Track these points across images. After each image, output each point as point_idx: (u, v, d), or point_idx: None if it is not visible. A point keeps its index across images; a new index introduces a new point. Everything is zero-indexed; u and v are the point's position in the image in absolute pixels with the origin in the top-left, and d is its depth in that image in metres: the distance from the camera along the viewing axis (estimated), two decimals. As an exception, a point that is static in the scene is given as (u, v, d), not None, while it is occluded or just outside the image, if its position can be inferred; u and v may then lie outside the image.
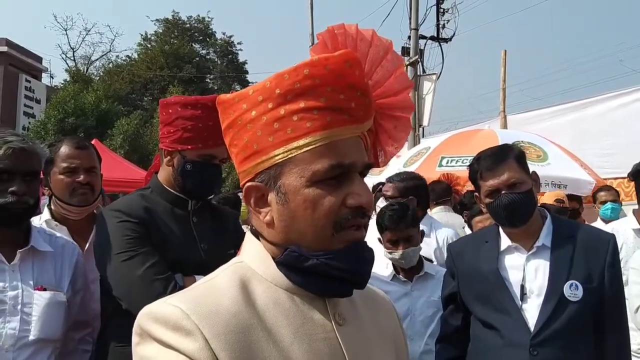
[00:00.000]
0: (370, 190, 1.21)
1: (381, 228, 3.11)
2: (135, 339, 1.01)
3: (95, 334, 2.39)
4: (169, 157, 2.27)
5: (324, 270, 1.03)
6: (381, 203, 3.65)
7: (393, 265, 3.16)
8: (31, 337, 2.07)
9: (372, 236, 3.65)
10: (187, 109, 2.22)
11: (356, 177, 1.07)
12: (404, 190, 3.88)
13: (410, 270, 3.12)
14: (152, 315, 0.99)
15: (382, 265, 3.26)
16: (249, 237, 1.16)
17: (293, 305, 1.06)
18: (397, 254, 3.03)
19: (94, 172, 2.65)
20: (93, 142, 9.60)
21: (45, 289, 2.16)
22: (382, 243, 3.11)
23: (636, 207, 3.90)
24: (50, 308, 2.14)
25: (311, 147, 1.02)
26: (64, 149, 2.61)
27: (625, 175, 4.00)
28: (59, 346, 2.23)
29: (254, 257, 1.11)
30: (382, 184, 4.41)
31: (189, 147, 2.21)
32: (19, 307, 2.06)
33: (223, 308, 0.99)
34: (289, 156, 1.03)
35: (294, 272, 1.06)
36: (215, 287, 1.04)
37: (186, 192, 2.28)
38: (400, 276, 3.14)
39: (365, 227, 1.08)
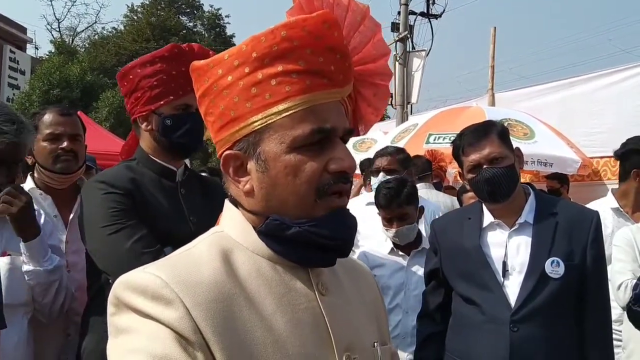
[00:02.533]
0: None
1: (377, 205, 3.13)
2: (110, 309, 0.97)
3: (81, 308, 2.34)
4: (145, 123, 2.21)
5: (306, 238, 1.01)
6: (382, 177, 3.64)
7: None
8: None
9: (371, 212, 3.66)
10: (147, 67, 2.17)
11: (338, 142, 1.04)
12: (403, 161, 3.90)
13: (408, 245, 3.15)
14: (129, 285, 0.95)
15: (381, 239, 3.28)
16: (228, 207, 1.12)
17: (275, 274, 1.04)
18: (392, 231, 3.07)
19: (78, 140, 2.60)
20: (77, 114, 9.52)
21: (6, 254, 2.15)
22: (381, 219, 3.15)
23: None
24: (12, 273, 2.14)
25: (291, 112, 1.00)
26: (48, 116, 2.56)
27: (612, 154, 4.00)
28: (30, 310, 2.22)
29: (234, 226, 1.08)
30: (369, 160, 4.41)
31: (162, 102, 2.16)
32: None
33: (204, 277, 0.96)
34: (268, 122, 1.00)
35: (275, 241, 1.04)
36: (195, 256, 1.01)
37: (174, 151, 2.22)
38: (398, 251, 3.17)
39: (348, 193, 1.06)
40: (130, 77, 2.20)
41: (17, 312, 2.14)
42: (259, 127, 1.01)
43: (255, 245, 1.05)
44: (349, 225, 1.07)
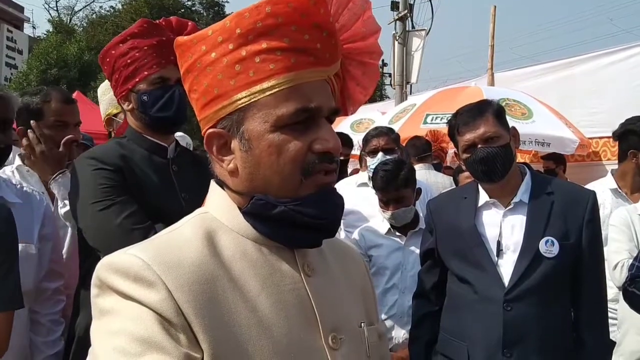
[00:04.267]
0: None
1: (375, 187, 3.14)
2: (94, 290, 0.97)
3: (71, 287, 2.35)
4: (127, 102, 2.21)
5: (292, 217, 1.00)
6: (382, 156, 3.63)
7: None
8: None
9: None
10: (120, 46, 2.17)
11: (323, 122, 1.03)
12: (397, 140, 3.95)
13: (405, 225, 3.16)
14: (111, 266, 0.95)
15: (379, 219, 3.29)
16: (213, 187, 1.11)
17: (261, 255, 1.03)
18: (388, 213, 3.08)
19: (78, 127, 2.63)
20: (75, 94, 9.45)
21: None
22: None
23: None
24: (22, 261, 2.11)
25: (275, 90, 0.98)
26: (55, 104, 2.55)
27: (610, 134, 3.99)
28: (32, 297, 2.22)
29: (219, 207, 1.07)
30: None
31: (137, 79, 2.15)
32: None
33: (187, 259, 0.96)
34: (252, 100, 0.99)
35: (261, 222, 1.03)
36: (179, 238, 1.00)
37: (157, 126, 2.20)
38: (395, 231, 3.18)
39: (334, 172, 1.04)
40: (107, 59, 2.20)
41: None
42: (242, 105, 0.99)
43: (240, 227, 1.04)
44: (336, 203, 1.06)
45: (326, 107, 1.03)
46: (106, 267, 0.95)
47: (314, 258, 1.10)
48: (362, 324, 1.14)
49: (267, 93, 0.98)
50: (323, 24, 1.01)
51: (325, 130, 1.02)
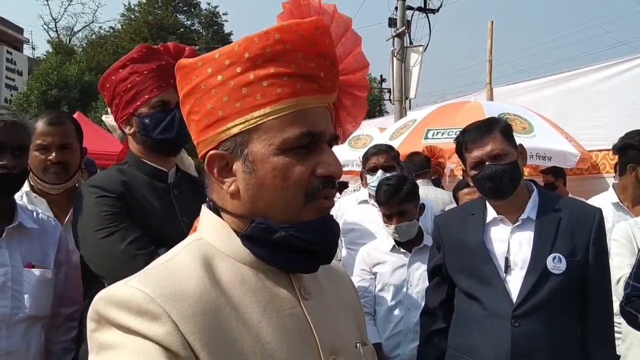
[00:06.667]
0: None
1: (377, 202, 3.16)
2: (91, 325, 0.94)
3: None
4: (128, 127, 2.23)
5: (291, 242, 1.00)
6: (382, 174, 3.65)
7: None
8: (23, 315, 2.07)
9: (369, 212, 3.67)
10: (120, 72, 2.20)
11: (325, 146, 1.04)
12: (397, 157, 3.99)
13: (409, 242, 3.18)
14: (111, 300, 0.92)
15: (383, 236, 3.30)
16: (205, 213, 1.11)
17: (258, 281, 1.03)
18: (391, 227, 3.09)
19: (69, 148, 2.57)
20: (76, 114, 9.48)
21: (34, 266, 2.15)
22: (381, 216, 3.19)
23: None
24: (40, 285, 2.14)
25: (281, 113, 1.00)
26: (38, 125, 2.52)
27: (610, 147, 4.01)
28: (47, 322, 2.23)
29: (213, 233, 1.07)
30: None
31: (138, 103, 2.18)
32: (10, 284, 2.05)
33: (189, 289, 0.94)
34: (258, 122, 1.00)
35: (260, 246, 1.03)
36: (177, 267, 0.99)
37: (159, 149, 2.22)
38: (400, 248, 3.20)
39: (333, 197, 1.06)
40: (107, 85, 2.23)
41: (38, 324, 2.14)
42: (248, 127, 1.00)
43: (237, 252, 1.04)
44: (333, 231, 1.07)
45: (328, 133, 1.05)
46: (105, 301, 0.93)
47: (308, 281, 1.11)
48: (358, 344, 1.16)
49: (274, 116, 0.99)
50: (327, 53, 1.04)
51: (328, 155, 1.03)
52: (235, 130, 1.01)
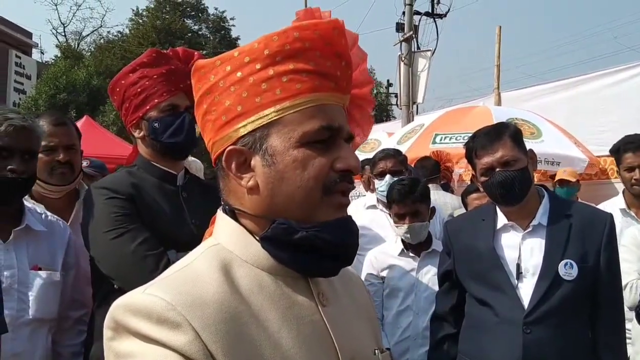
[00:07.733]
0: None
1: (390, 202, 3.15)
2: (108, 333, 0.93)
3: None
4: (137, 130, 2.25)
5: (312, 243, 1.00)
6: (389, 179, 3.66)
7: (402, 240, 3.20)
8: (28, 317, 2.08)
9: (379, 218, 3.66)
10: (129, 76, 2.23)
11: (343, 142, 1.06)
12: (404, 162, 3.98)
13: (418, 246, 3.17)
14: (129, 307, 0.91)
15: (391, 241, 3.30)
16: (221, 217, 1.10)
17: (277, 288, 1.03)
18: (403, 227, 3.08)
19: (73, 149, 2.59)
20: (84, 118, 9.52)
21: (40, 269, 2.16)
22: (391, 217, 3.18)
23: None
24: (46, 288, 2.15)
25: (302, 107, 1.01)
26: (42, 127, 2.51)
27: (618, 152, 4.00)
28: (54, 325, 2.24)
29: (230, 238, 1.06)
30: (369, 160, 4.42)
31: (147, 107, 2.20)
32: (16, 286, 2.06)
33: (208, 296, 0.93)
34: (279, 116, 1.01)
35: (280, 248, 1.02)
36: (195, 274, 0.98)
37: (169, 152, 2.24)
38: (408, 252, 3.18)
39: (349, 193, 1.07)
40: (117, 89, 2.25)
41: (44, 327, 2.15)
42: (268, 121, 1.01)
43: (254, 258, 1.04)
44: (353, 231, 1.07)
45: (345, 130, 1.06)
46: (124, 309, 0.92)
47: (325, 286, 1.11)
48: (376, 350, 1.15)
49: (294, 110, 1.01)
50: (343, 54, 1.06)
51: (346, 150, 1.05)
52: (255, 124, 1.02)
